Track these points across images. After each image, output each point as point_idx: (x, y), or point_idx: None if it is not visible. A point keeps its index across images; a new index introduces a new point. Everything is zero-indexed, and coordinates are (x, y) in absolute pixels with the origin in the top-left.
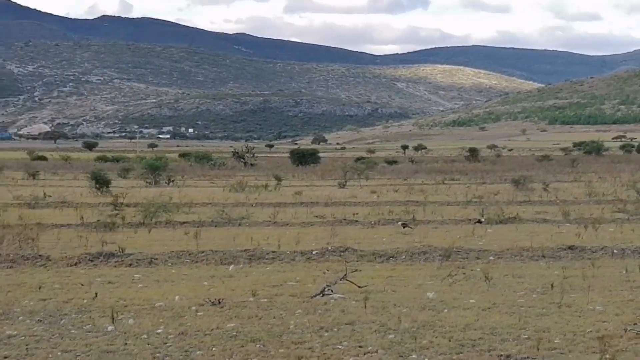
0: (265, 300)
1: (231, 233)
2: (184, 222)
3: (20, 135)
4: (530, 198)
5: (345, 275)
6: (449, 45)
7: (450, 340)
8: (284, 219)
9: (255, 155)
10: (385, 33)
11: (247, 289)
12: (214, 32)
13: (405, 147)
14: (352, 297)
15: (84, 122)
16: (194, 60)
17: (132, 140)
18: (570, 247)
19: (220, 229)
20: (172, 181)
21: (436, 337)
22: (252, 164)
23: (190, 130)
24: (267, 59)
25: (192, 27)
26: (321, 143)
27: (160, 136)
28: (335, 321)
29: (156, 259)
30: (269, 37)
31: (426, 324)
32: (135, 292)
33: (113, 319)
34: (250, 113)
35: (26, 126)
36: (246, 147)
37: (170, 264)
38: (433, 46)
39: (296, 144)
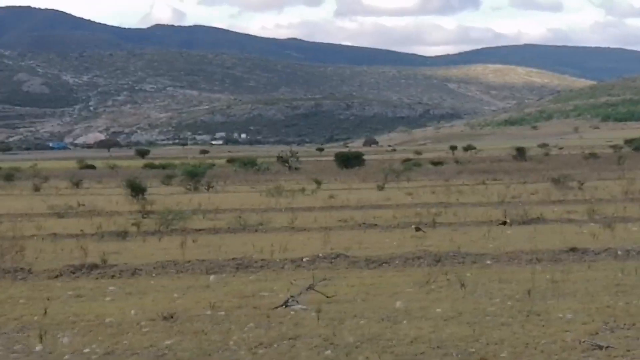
0: (223, 313)
1: (239, 240)
2: (200, 230)
3: (76, 145)
4: (565, 197)
5: (312, 284)
6: (500, 45)
7: (389, 356)
8: (304, 224)
9: (299, 159)
10: (436, 34)
11: (212, 301)
12: (266, 37)
13: (454, 148)
14: (316, 308)
15: (138, 130)
16: (245, 66)
17: (184, 147)
18: (572, 249)
19: (232, 235)
20: (212, 187)
21: (374, 353)
22: (296, 168)
23: (243, 135)
24: (318, 63)
25: (244, 34)
26: (372, 145)
27: (213, 142)
28: (280, 336)
29: (140, 269)
30: (320, 41)
31: (374, 337)
32: (94, 307)
33: (41, 338)
34: (302, 117)
35: (82, 135)
36: (290, 151)
37: (154, 275)
38: (484, 46)
39: (347, 146)
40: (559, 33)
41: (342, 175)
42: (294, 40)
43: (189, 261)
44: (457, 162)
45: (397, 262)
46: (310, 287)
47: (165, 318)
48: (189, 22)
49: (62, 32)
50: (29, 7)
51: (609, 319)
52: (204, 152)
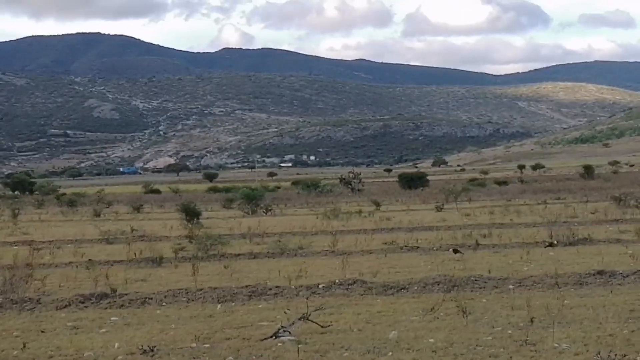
0: (207, 345)
1: (271, 265)
2: (239, 254)
3: (146, 169)
4: (623, 217)
5: (305, 314)
6: (570, 62)
7: None
8: (346, 248)
9: (362, 180)
10: (506, 52)
11: (204, 332)
12: (334, 59)
13: (522, 167)
14: (307, 339)
15: (208, 154)
16: (313, 88)
17: (253, 170)
18: (600, 272)
19: (269, 260)
20: (270, 210)
21: None
22: (359, 190)
23: (312, 157)
24: (386, 83)
25: (312, 56)
26: (441, 165)
27: (282, 165)
28: None
29: (151, 298)
30: (388, 61)
31: None
32: (81, 340)
33: None
34: (370, 138)
35: (152, 160)
36: (353, 173)
37: (164, 304)
38: (554, 64)
39: (416, 167)
40: (630, 49)
41: (405, 197)
42: (362, 61)
43: (202, 289)
44: (522, 181)
45: (415, 287)
46: (303, 317)
47: (145, 351)
48: (256, 45)
49: (132, 58)
50: (98, 34)
51: (605, 349)
52: (271, 174)
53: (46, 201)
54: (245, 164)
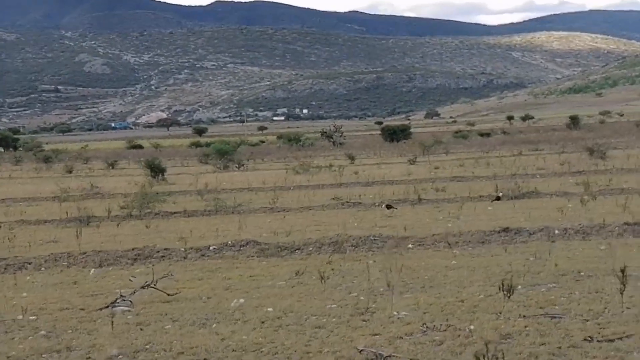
0: (34, 317)
1: (201, 224)
2: (174, 213)
3: (138, 124)
4: (588, 168)
5: (152, 281)
6: (565, 12)
7: None
8: (287, 205)
9: (344, 134)
10: (500, 2)
11: (40, 302)
12: (326, 11)
13: (510, 118)
14: (144, 309)
15: (200, 108)
16: (306, 41)
17: (243, 124)
18: (505, 230)
19: (201, 219)
20: (242, 165)
21: None
22: (340, 143)
23: (305, 111)
24: (379, 35)
25: (304, 8)
26: (434, 117)
27: (275, 118)
28: (49, 348)
29: (30, 263)
30: (381, 13)
31: (141, 349)
32: None
33: None
34: (363, 91)
35: (144, 115)
36: (334, 126)
37: (42, 269)
38: (549, 13)
39: (409, 119)
40: None
41: (385, 150)
42: (355, 12)
43: (85, 253)
44: (504, 132)
45: (310, 248)
46: (147, 285)
47: None
48: None
49: (122, 12)
50: None
51: (440, 317)
52: (262, 128)
53: (25, 158)
54: (237, 117)
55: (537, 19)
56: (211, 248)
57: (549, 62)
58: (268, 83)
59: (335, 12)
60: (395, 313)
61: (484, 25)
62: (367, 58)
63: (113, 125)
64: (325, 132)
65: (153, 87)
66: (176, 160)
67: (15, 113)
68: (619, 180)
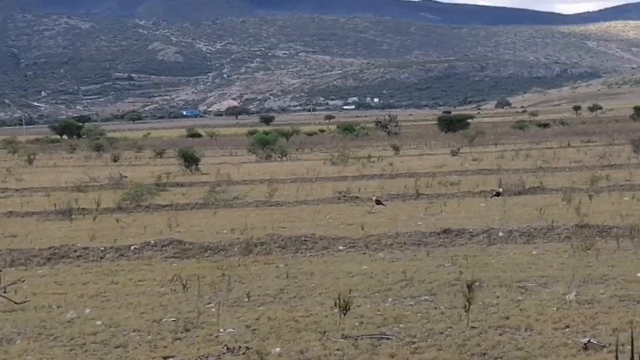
0: None
1: (178, 219)
2: (165, 206)
3: (210, 112)
4: (627, 162)
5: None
6: None
7: None
8: (283, 198)
9: (399, 124)
10: None
11: None
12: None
13: (577, 108)
14: None
15: (271, 97)
16: (378, 30)
17: (311, 113)
18: (445, 231)
19: (189, 212)
20: (285, 155)
21: None
22: (395, 133)
23: (376, 100)
24: (452, 24)
25: None
26: (505, 107)
27: (345, 107)
28: None
29: None
30: (454, 1)
31: None
32: None
33: None
34: (435, 80)
35: (216, 103)
36: (389, 116)
37: None
38: (625, 2)
39: (479, 109)
40: None
41: (439, 140)
42: (428, 1)
43: None
44: (562, 123)
45: (235, 249)
46: None
47: None
48: None
49: (196, 1)
50: None
51: (259, 336)
52: (329, 117)
53: (83, 146)
54: (307, 106)
55: (613, 8)
56: (132, 248)
57: (625, 51)
58: (339, 72)
59: (409, 1)
60: (221, 330)
61: (559, 14)
62: (440, 47)
63: (184, 113)
64: (380, 122)
65: (225, 75)
66: (226, 150)
67: (89, 101)
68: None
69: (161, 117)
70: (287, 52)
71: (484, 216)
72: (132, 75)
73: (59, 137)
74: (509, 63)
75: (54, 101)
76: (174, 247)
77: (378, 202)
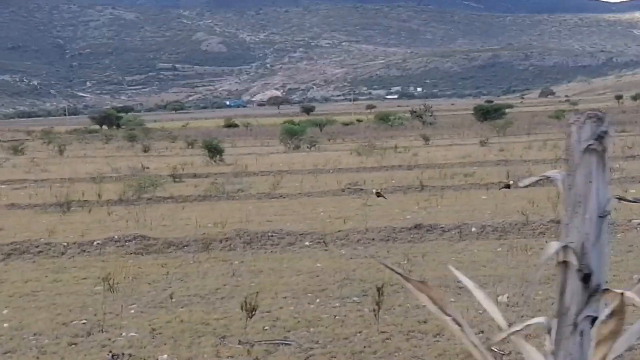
0: None
1: (166, 211)
2: (167, 198)
3: (252, 102)
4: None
5: None
6: None
7: None
8: (288, 190)
9: (434, 114)
10: None
11: None
12: None
13: (619, 97)
14: None
15: (314, 87)
16: (422, 19)
17: (353, 103)
18: (417, 226)
19: (189, 204)
20: (314, 146)
21: None
22: (430, 123)
23: (419, 89)
24: (496, 13)
25: None
26: (549, 96)
27: (388, 97)
28: None
29: None
30: None
31: None
32: None
33: None
34: (479, 69)
35: (259, 93)
36: (424, 105)
37: None
38: None
39: (522, 98)
40: None
41: (473, 130)
42: None
43: None
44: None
45: (200, 245)
46: None
47: None
48: None
49: None
50: None
51: (157, 341)
52: (370, 107)
53: (119, 136)
54: (349, 96)
55: None
56: (95, 243)
57: None
58: (382, 61)
59: None
60: (123, 334)
61: (605, 1)
62: (484, 36)
63: (227, 103)
64: (415, 112)
65: (268, 65)
66: (259, 140)
67: (133, 91)
68: None
69: (204, 107)
70: (330, 42)
71: (475, 210)
72: (176, 65)
73: (98, 127)
74: (553, 52)
75: (98, 91)
76: (137, 243)
77: (378, 195)
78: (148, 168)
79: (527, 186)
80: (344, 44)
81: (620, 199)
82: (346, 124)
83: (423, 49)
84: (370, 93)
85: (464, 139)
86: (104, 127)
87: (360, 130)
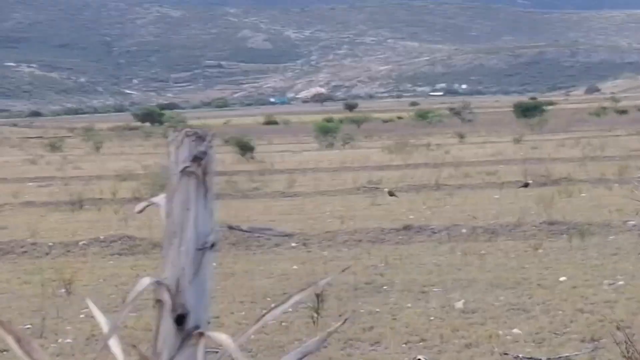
0: None
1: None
2: None
3: (297, 99)
4: None
5: None
6: None
7: None
8: (302, 190)
9: (473, 110)
10: None
11: None
12: None
13: None
14: None
15: (359, 84)
16: (467, 15)
17: (397, 100)
18: (406, 227)
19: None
20: (347, 143)
21: None
22: (469, 120)
23: (464, 86)
24: (543, 9)
25: None
26: (594, 93)
27: (432, 93)
28: None
29: None
30: None
31: None
32: None
33: None
34: (524, 66)
35: (303, 90)
36: (462, 102)
37: None
38: None
39: (568, 95)
40: None
41: (511, 127)
42: None
43: None
44: None
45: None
46: None
47: None
48: None
49: None
50: None
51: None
52: (414, 104)
53: (156, 133)
54: (393, 94)
55: None
56: (80, 243)
57: None
58: (427, 58)
59: None
60: (59, 340)
61: None
62: (530, 32)
63: (272, 100)
64: (454, 109)
65: (313, 62)
66: (296, 137)
67: (179, 88)
68: None
69: (249, 105)
70: (375, 39)
71: (480, 210)
72: (221, 62)
73: (140, 124)
74: (600, 48)
75: (145, 89)
76: (123, 243)
77: (391, 194)
78: None
79: (140, 212)
80: (389, 40)
81: (232, 227)
82: (385, 121)
83: (468, 45)
84: (415, 90)
85: (500, 137)
86: (147, 124)
87: (399, 128)
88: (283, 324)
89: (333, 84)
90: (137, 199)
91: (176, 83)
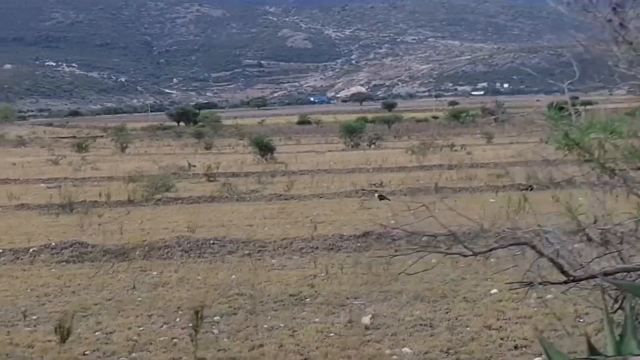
0: None
1: (160, 213)
2: (177, 199)
3: (336, 99)
4: None
5: None
6: None
7: None
8: (301, 192)
9: (506, 110)
10: None
11: None
12: None
13: None
14: None
15: (399, 83)
16: (509, 14)
17: (436, 99)
18: (365, 234)
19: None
20: (373, 144)
21: None
22: (502, 120)
23: (505, 85)
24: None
25: None
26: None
27: (474, 93)
28: None
29: None
30: None
31: None
32: None
33: None
34: (567, 65)
35: (343, 89)
36: (496, 102)
37: None
38: None
39: (611, 94)
40: None
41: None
42: None
43: None
44: None
45: (137, 252)
46: None
47: None
48: None
49: None
50: None
51: None
52: (453, 103)
53: (186, 133)
54: (433, 93)
55: None
56: (30, 250)
57: None
58: (468, 57)
59: None
60: None
61: None
62: (573, 31)
63: (312, 99)
64: (487, 109)
65: (353, 61)
66: (325, 137)
67: (219, 87)
68: None
69: (288, 104)
70: (416, 38)
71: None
72: (261, 62)
73: (175, 124)
74: None
75: (185, 88)
76: (74, 250)
77: (381, 198)
78: (194, 166)
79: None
80: (429, 39)
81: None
82: (419, 121)
83: (510, 44)
84: (455, 89)
85: (530, 137)
86: (181, 123)
87: (431, 128)
88: (174, 339)
89: (373, 83)
90: (131, 202)
91: (216, 82)
